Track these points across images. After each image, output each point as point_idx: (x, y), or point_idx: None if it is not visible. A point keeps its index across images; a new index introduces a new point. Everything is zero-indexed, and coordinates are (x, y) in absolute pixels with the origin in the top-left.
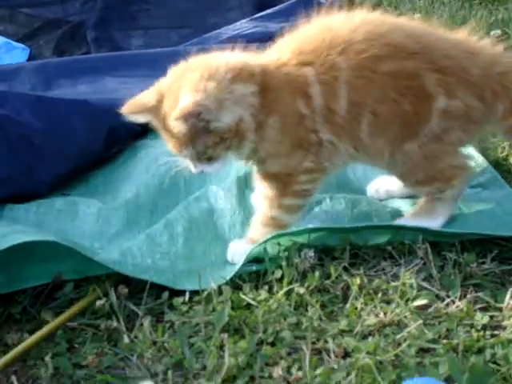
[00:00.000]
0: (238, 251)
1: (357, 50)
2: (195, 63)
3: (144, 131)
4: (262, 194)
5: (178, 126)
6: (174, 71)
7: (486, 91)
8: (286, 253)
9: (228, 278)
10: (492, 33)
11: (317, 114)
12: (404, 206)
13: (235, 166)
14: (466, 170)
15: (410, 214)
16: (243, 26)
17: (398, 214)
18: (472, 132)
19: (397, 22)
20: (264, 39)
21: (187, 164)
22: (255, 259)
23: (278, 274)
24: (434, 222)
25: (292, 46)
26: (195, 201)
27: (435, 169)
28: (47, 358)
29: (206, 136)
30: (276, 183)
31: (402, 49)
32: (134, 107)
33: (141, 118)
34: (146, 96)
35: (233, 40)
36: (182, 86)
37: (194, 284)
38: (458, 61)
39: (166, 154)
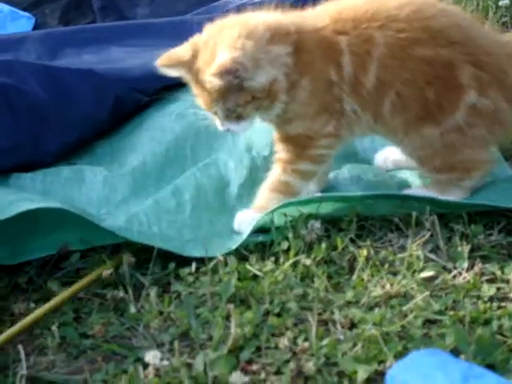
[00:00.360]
0: (245, 220)
1: (397, 28)
2: (233, 21)
3: (150, 100)
4: (276, 157)
5: (212, 82)
6: (210, 28)
7: None
8: (293, 224)
9: (234, 247)
10: (500, 3)
11: (345, 82)
12: (411, 176)
13: (245, 137)
14: (488, 164)
15: (421, 187)
16: None
17: (405, 184)
18: (497, 133)
19: (445, 9)
20: (270, 8)
21: (214, 121)
22: (261, 229)
23: (285, 245)
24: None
25: (332, 12)
26: (205, 167)
27: (455, 159)
28: (54, 328)
29: (238, 94)
30: (294, 146)
31: (442, 36)
32: (168, 60)
33: (174, 72)
34: (181, 50)
35: (241, 9)
36: (219, 42)
37: (200, 252)
38: (497, 60)
39: (172, 123)
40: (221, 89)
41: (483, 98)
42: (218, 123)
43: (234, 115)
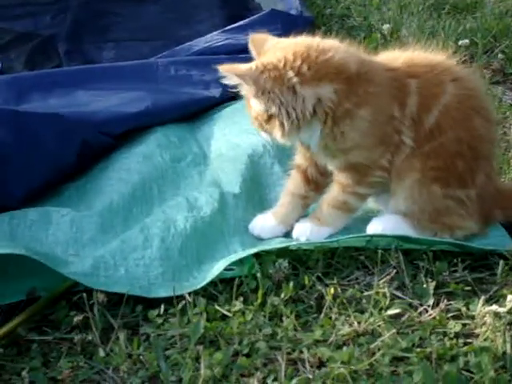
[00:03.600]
0: (265, 228)
1: (466, 86)
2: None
3: (117, 143)
4: (335, 179)
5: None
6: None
7: None
8: (261, 262)
9: (200, 286)
10: (460, 42)
11: (406, 118)
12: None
13: (212, 176)
14: (473, 231)
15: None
16: (214, 38)
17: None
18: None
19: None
20: (235, 51)
21: (271, 133)
22: (228, 267)
23: (253, 284)
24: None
25: (405, 57)
26: (174, 203)
27: (441, 220)
28: (23, 373)
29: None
30: (354, 174)
31: (489, 116)
32: (233, 68)
33: (235, 79)
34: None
35: (204, 52)
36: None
37: (168, 291)
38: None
39: (139, 164)
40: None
41: (488, 179)
42: (278, 133)
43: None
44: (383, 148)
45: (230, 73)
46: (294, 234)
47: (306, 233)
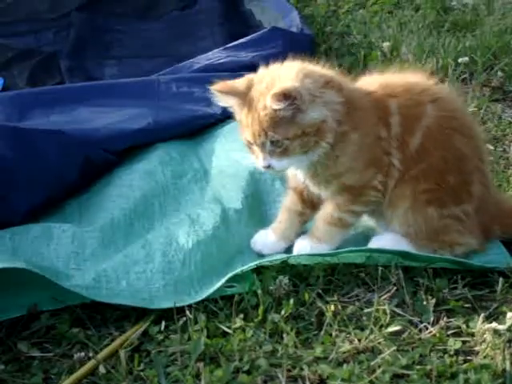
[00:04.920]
0: (267, 244)
1: (445, 108)
2: (289, 64)
3: (119, 159)
4: (329, 197)
5: (272, 104)
6: (265, 69)
7: None
8: (261, 279)
9: (200, 299)
10: (460, 60)
11: (393, 139)
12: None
13: (213, 192)
14: (473, 246)
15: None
16: (216, 55)
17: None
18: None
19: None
20: (236, 69)
21: (256, 158)
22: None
23: (253, 301)
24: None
25: (379, 80)
26: (176, 220)
27: (439, 238)
28: None
29: (288, 126)
30: (347, 195)
31: (472, 133)
32: (224, 86)
33: (226, 100)
34: (236, 82)
35: (206, 69)
36: (277, 77)
37: (169, 303)
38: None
39: (141, 180)
40: (275, 115)
41: (485, 188)
42: (260, 158)
43: (279, 150)
44: (374, 170)
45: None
46: (295, 251)
47: (306, 250)
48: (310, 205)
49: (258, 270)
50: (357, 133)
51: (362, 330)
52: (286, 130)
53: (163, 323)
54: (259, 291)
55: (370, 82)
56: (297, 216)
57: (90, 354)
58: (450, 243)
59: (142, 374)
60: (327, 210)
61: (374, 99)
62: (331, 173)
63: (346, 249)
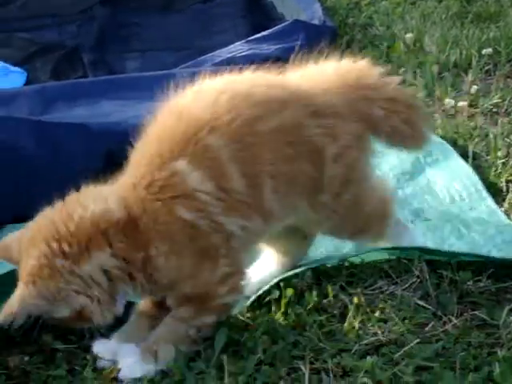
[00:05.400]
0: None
1: (226, 121)
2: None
3: None
4: (173, 315)
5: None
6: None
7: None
8: (284, 272)
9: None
10: (484, 51)
11: (208, 205)
12: None
13: None
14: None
15: None
16: (238, 48)
17: None
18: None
19: (255, 79)
20: (258, 61)
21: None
22: None
23: (276, 294)
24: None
25: (144, 155)
26: None
27: (359, 218)
28: (48, 381)
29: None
30: (190, 306)
31: (275, 101)
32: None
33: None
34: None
35: (227, 62)
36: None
37: None
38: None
39: None
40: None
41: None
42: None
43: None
44: (209, 262)
45: (9, 316)
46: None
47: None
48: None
49: None
50: (156, 243)
51: (386, 322)
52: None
53: None
54: (282, 284)
55: (136, 163)
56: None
57: None
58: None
59: (166, 366)
60: (168, 327)
61: (153, 190)
62: (160, 290)
63: (370, 247)
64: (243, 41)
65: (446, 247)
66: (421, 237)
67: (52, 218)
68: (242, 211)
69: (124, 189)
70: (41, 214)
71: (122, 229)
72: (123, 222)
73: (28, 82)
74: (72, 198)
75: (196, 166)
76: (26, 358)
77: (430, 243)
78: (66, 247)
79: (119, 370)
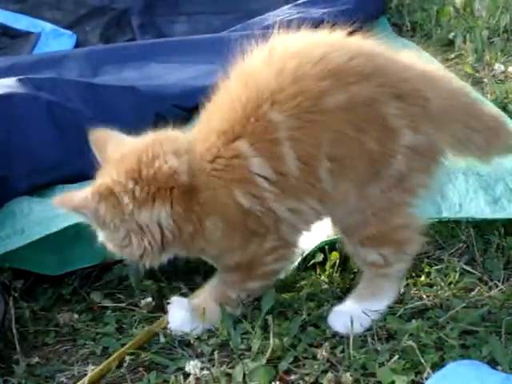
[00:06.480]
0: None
1: (287, 96)
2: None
3: (191, 116)
4: (219, 277)
5: None
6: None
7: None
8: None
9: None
10: None
11: (265, 190)
12: None
13: None
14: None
15: (353, 296)
16: (286, 12)
17: None
18: (434, 173)
19: (334, 42)
20: (306, 25)
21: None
22: None
23: (320, 257)
24: (378, 305)
25: (212, 123)
26: None
27: (387, 225)
28: (97, 338)
29: None
30: (238, 271)
31: (349, 73)
32: (66, 200)
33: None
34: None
35: (276, 26)
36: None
37: None
38: (415, 84)
39: None
40: None
41: (418, 135)
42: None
43: None
44: (256, 239)
45: (64, 207)
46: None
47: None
48: None
49: None
50: (212, 218)
51: (431, 286)
52: None
53: None
54: (326, 247)
55: (204, 132)
56: None
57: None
58: (399, 237)
59: (212, 326)
60: (218, 287)
61: (217, 161)
62: (208, 256)
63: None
64: (291, 4)
65: (497, 209)
66: (472, 194)
67: (141, 152)
68: (296, 195)
69: (192, 155)
70: (144, 136)
71: (183, 193)
72: (185, 188)
73: (77, 45)
74: (160, 138)
75: (257, 149)
76: (76, 316)
77: (482, 202)
78: (137, 191)
79: (168, 322)
